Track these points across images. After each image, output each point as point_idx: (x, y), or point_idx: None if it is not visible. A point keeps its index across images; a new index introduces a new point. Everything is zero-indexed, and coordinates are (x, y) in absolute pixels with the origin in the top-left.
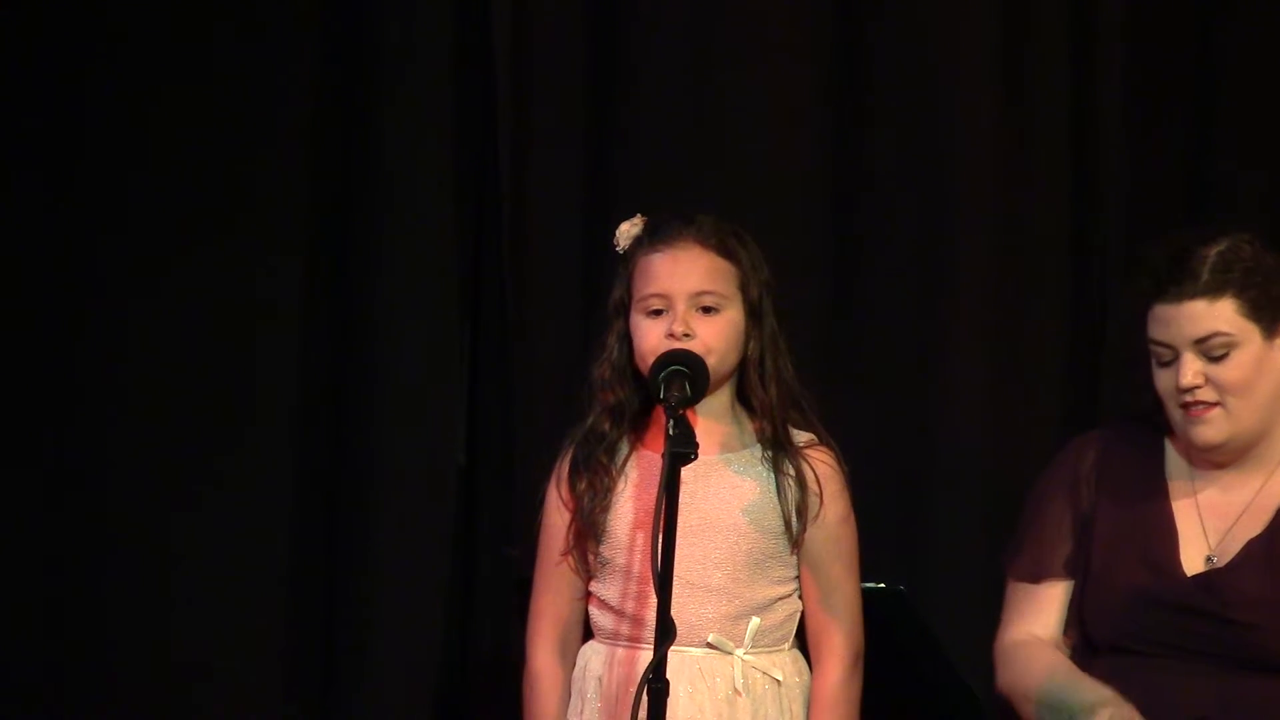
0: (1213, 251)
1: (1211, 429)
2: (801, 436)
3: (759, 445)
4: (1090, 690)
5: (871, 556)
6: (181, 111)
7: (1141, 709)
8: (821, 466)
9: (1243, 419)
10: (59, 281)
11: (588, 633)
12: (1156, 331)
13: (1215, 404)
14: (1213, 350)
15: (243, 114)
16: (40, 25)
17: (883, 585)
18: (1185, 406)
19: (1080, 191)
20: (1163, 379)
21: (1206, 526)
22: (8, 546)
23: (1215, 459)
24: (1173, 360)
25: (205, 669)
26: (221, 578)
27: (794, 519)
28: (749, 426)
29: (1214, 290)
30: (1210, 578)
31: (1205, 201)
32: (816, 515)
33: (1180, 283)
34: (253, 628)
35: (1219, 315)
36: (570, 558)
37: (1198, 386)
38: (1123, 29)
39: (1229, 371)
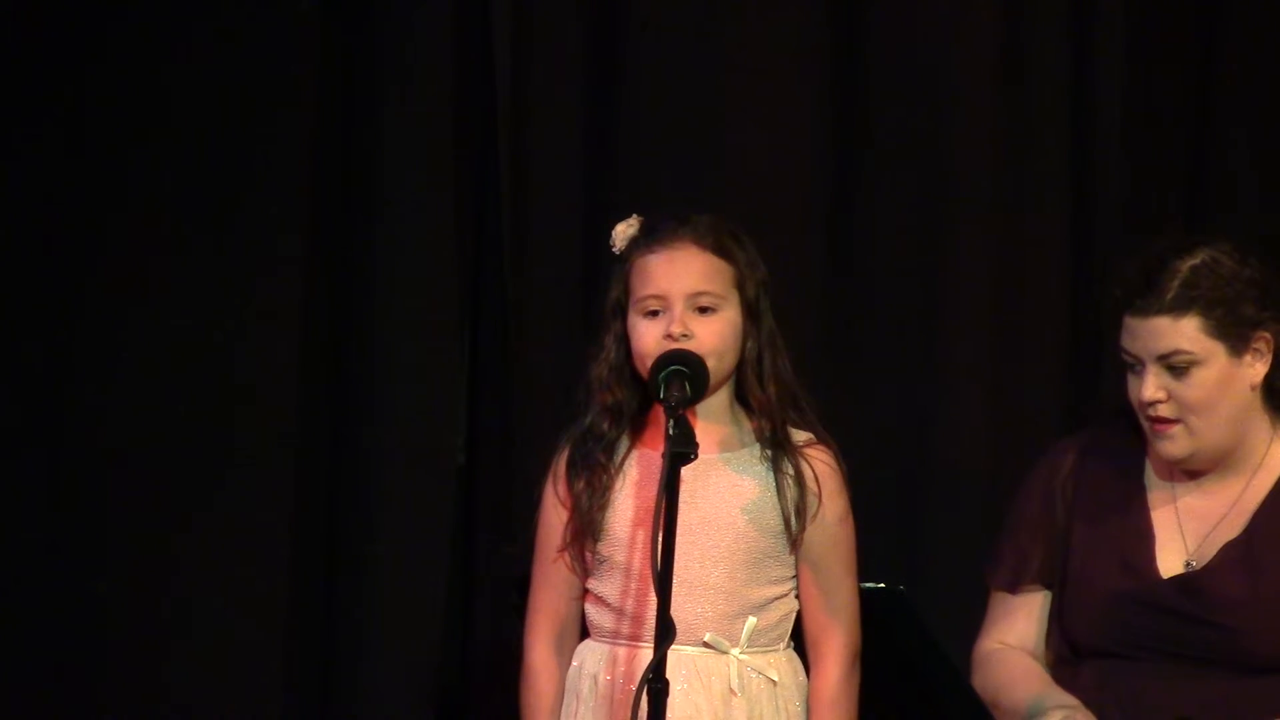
0: (1185, 266)
1: (1174, 445)
2: (800, 435)
3: (758, 444)
4: (1051, 695)
5: (871, 556)
6: (179, 111)
7: (1125, 711)
8: (820, 465)
9: (1205, 436)
10: (50, 283)
11: (585, 632)
12: (1125, 341)
13: (1176, 420)
14: (1175, 367)
15: (240, 115)
16: (43, 12)
17: (882, 585)
18: (1150, 419)
19: (1080, 189)
20: (1132, 387)
21: (1185, 530)
22: (6, 540)
23: (1186, 468)
24: (1140, 371)
25: (204, 667)
26: (221, 577)
27: (793, 518)
28: (747, 426)
29: (1178, 308)
30: (1188, 580)
31: (1205, 199)
32: (815, 514)
33: (1146, 297)
34: (252, 627)
35: (1182, 333)
36: (567, 555)
37: (1159, 401)
38: (1124, 26)
39: (1190, 390)
